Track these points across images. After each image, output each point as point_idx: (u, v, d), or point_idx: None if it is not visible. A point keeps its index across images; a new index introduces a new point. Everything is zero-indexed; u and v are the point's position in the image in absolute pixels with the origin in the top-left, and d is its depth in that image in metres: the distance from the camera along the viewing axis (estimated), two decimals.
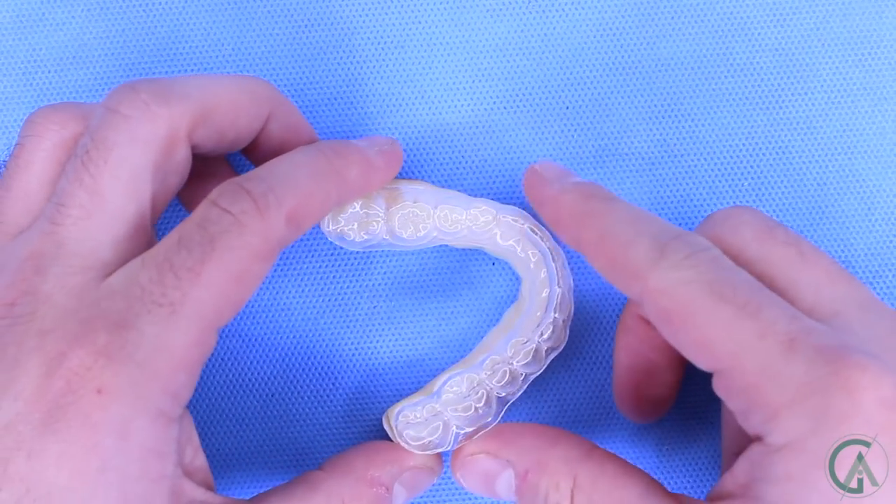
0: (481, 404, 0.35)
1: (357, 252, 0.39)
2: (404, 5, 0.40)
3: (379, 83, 0.40)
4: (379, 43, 0.40)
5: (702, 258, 0.30)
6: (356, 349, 0.39)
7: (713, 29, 0.40)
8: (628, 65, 0.40)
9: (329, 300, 0.39)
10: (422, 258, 0.39)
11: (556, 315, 0.37)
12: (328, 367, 0.39)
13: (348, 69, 0.40)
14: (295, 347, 0.39)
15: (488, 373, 0.36)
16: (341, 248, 0.39)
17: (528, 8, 0.40)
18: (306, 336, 0.39)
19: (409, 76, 0.40)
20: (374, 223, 0.37)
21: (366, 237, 0.37)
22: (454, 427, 0.35)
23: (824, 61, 0.40)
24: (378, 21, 0.40)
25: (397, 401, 0.38)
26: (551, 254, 0.37)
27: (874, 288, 0.39)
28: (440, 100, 0.40)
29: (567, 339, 0.37)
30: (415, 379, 0.39)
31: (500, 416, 0.36)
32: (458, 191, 0.39)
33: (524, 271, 0.38)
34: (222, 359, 0.39)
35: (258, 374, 0.39)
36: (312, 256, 0.39)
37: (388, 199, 0.37)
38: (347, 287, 0.39)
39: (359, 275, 0.39)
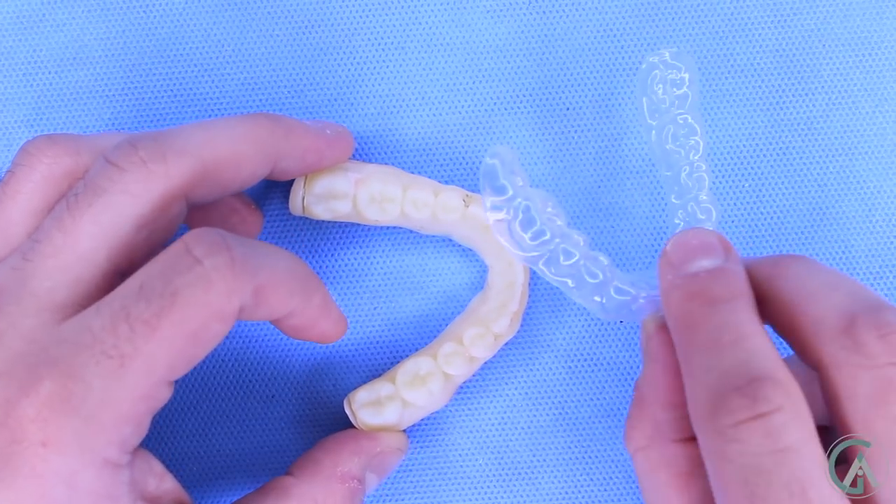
0: (436, 387, 0.36)
1: (357, 253, 0.39)
2: (404, 6, 0.40)
3: (379, 84, 0.40)
4: (379, 44, 0.40)
5: (751, 432, 0.27)
6: (357, 350, 0.39)
7: (713, 30, 0.40)
8: (628, 66, 0.40)
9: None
10: (422, 259, 0.39)
11: (517, 307, 0.37)
12: (329, 368, 0.39)
13: (349, 70, 0.40)
14: (296, 348, 0.39)
15: (444, 359, 0.37)
16: (342, 249, 0.39)
17: (528, 9, 0.40)
18: None
19: (409, 77, 0.40)
20: (341, 202, 0.37)
21: (331, 216, 0.37)
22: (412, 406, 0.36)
23: (825, 62, 0.40)
24: (378, 22, 0.40)
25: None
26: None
27: (874, 288, 0.39)
28: (440, 100, 0.40)
29: (520, 327, 0.38)
30: None
31: (452, 395, 0.37)
32: (456, 185, 0.39)
33: (491, 260, 0.38)
34: (223, 360, 0.39)
35: (259, 375, 0.39)
36: (313, 258, 0.39)
37: (357, 181, 0.37)
38: (348, 288, 0.39)
39: (359, 276, 0.39)
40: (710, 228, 0.33)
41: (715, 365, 0.28)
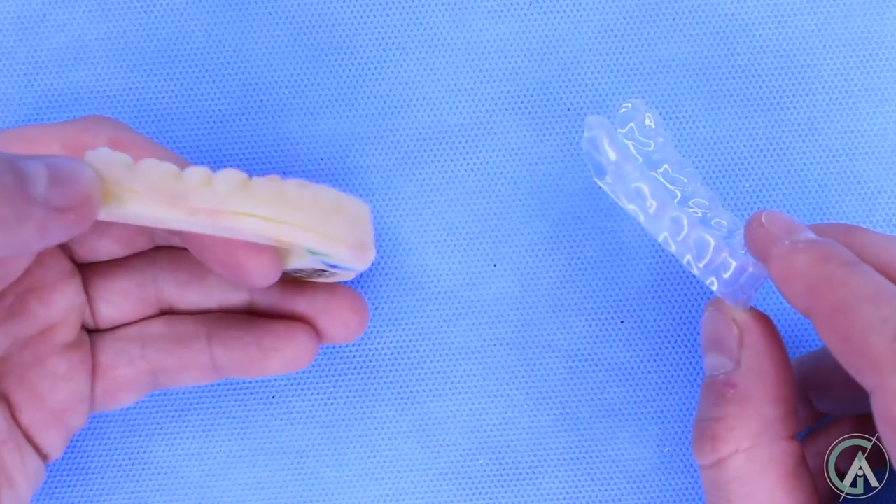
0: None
1: None
2: (405, 6, 0.40)
3: (380, 84, 0.40)
4: (380, 44, 0.40)
5: None
6: (358, 349, 0.39)
7: (714, 30, 0.40)
8: (629, 66, 0.40)
9: None
10: (422, 258, 0.39)
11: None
12: (330, 367, 0.39)
13: (349, 70, 0.40)
14: None
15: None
16: None
17: (529, 9, 0.40)
18: None
19: (410, 77, 0.40)
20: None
21: None
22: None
23: (826, 63, 0.40)
24: (379, 22, 0.40)
25: (399, 401, 0.39)
26: None
27: None
28: (441, 101, 0.40)
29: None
30: (416, 378, 0.39)
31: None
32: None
33: None
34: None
35: None
36: None
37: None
38: None
39: (359, 275, 0.39)
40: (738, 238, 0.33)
41: (890, 311, 0.27)
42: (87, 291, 0.35)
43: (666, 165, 0.34)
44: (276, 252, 0.32)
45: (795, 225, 0.31)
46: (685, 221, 0.32)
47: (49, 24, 0.40)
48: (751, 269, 0.32)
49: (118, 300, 0.36)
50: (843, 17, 0.40)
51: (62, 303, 0.34)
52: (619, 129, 0.34)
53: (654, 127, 0.34)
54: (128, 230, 0.35)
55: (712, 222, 0.34)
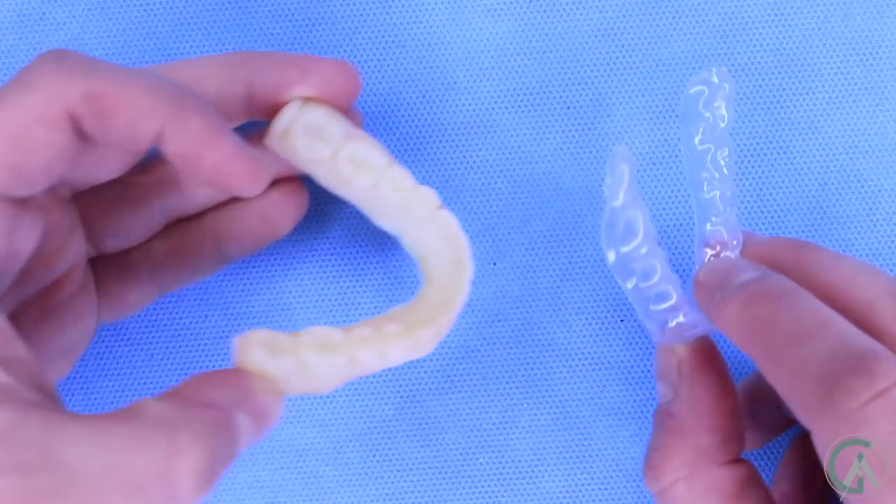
0: (339, 362, 0.32)
1: (358, 251, 0.39)
2: (405, 5, 0.40)
3: (380, 83, 0.40)
4: (380, 42, 0.40)
5: (879, 412, 0.25)
6: None
7: (714, 29, 0.40)
8: (629, 65, 0.40)
9: (330, 300, 0.39)
10: None
11: (446, 324, 0.34)
12: None
13: None
14: None
15: (357, 342, 0.32)
16: (342, 248, 0.39)
17: (528, 8, 0.40)
18: None
19: (409, 76, 0.40)
20: (325, 145, 0.34)
21: (309, 154, 0.34)
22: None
23: (825, 61, 0.40)
24: (379, 21, 0.40)
25: (399, 400, 0.38)
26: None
27: None
28: (441, 100, 0.40)
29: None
30: (416, 378, 0.39)
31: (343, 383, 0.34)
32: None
33: (436, 271, 0.35)
34: (224, 359, 0.39)
35: None
36: (313, 256, 0.39)
37: (349, 135, 0.34)
38: (348, 287, 0.39)
39: (359, 274, 0.39)
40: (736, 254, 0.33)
41: (813, 352, 0.26)
42: (91, 225, 0.34)
43: (711, 146, 0.33)
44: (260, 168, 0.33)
45: (733, 270, 0.31)
46: (658, 271, 0.32)
47: (48, 23, 0.40)
48: (699, 328, 0.32)
49: (125, 232, 0.35)
50: (843, 16, 0.40)
51: (64, 265, 0.33)
52: (689, 90, 0.33)
53: (722, 105, 0.33)
54: (122, 159, 0.34)
55: (708, 226, 0.33)
